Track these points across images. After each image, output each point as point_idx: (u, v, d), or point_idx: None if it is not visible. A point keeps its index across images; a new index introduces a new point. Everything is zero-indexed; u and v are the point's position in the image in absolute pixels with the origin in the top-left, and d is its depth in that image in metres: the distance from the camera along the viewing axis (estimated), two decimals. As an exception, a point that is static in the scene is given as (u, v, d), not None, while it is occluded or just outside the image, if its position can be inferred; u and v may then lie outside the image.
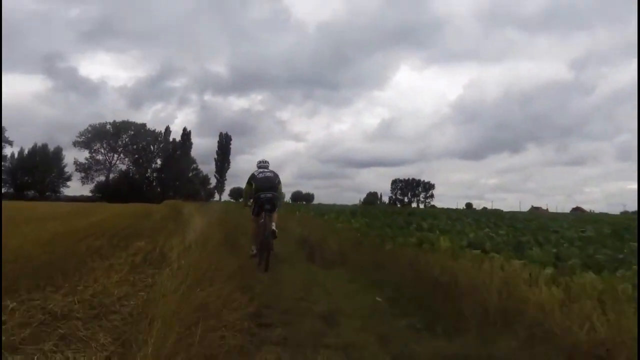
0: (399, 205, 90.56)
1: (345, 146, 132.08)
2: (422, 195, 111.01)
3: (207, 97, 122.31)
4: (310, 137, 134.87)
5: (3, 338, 2.33)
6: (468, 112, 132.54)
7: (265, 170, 6.50)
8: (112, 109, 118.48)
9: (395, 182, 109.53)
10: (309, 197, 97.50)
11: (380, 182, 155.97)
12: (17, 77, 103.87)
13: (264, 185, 6.14)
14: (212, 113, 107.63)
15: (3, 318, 2.63)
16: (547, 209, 79.82)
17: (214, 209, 26.04)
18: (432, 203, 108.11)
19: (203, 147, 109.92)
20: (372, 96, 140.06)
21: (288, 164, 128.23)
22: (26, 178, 61.65)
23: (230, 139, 72.90)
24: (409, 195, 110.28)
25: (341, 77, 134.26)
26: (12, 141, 65.12)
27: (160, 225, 10.81)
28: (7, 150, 64.17)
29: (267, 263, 5.46)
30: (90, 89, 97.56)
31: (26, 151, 63.40)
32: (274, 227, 5.80)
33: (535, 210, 79.40)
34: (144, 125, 69.79)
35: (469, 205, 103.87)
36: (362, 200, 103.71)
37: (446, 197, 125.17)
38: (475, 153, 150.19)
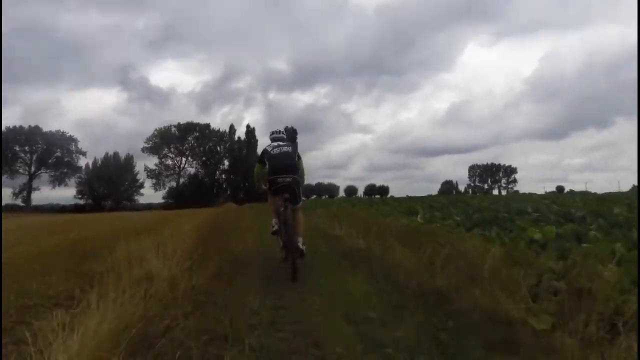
0: (475, 193, 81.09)
1: (414, 135, 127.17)
2: (503, 180, 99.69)
3: (272, 95, 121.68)
4: (378, 128, 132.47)
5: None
6: (546, 87, 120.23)
7: (281, 142, 4.77)
8: (184, 115, 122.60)
9: (472, 169, 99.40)
10: (383, 190, 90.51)
11: (453, 170, 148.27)
12: (96, 91, 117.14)
13: (279, 164, 4.52)
14: (277, 111, 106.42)
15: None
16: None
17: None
18: (515, 188, 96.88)
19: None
20: (439, 79, 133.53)
21: (357, 157, 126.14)
22: (102, 189, 61.68)
23: (296, 132, 68.33)
24: (489, 181, 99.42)
25: (405, 61, 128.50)
26: (85, 152, 65.97)
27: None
28: (82, 162, 65.10)
29: (294, 270, 4.00)
30: (162, 97, 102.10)
31: (99, 162, 63.60)
32: (300, 245, 4.30)
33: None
34: (207, 125, 67.48)
35: (560, 188, 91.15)
36: (438, 191, 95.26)
37: (527, 181, 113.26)
38: (556, 132, 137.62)
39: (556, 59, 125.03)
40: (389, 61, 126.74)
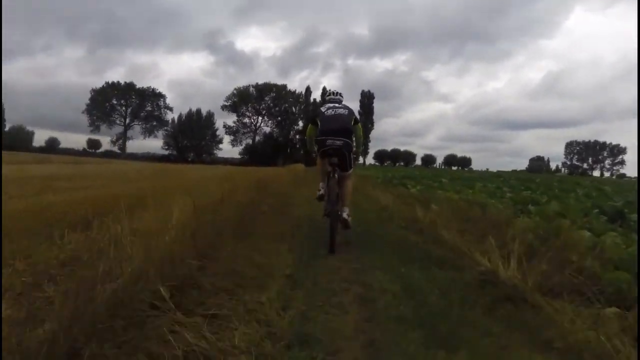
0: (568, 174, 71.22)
1: (500, 106, 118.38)
2: (607, 161, 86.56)
3: (350, 61, 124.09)
4: (460, 98, 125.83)
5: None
6: None
7: (337, 105, 4.32)
8: (264, 78, 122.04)
9: (571, 145, 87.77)
10: (465, 162, 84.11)
11: (543, 146, 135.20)
12: (186, 56, 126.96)
13: (331, 125, 4.07)
14: (355, 76, 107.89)
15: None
16: None
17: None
18: (622, 171, 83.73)
19: None
20: (536, 47, 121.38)
21: (435, 127, 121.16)
22: (185, 142, 65.36)
23: (373, 97, 65.39)
24: (590, 161, 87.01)
25: (499, 26, 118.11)
26: (172, 107, 69.96)
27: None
28: (169, 116, 69.27)
29: (332, 242, 3.65)
30: (245, 61, 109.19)
31: (183, 117, 67.07)
32: (345, 215, 4.04)
33: None
34: (284, 86, 67.25)
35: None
36: (527, 167, 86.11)
37: (632, 164, 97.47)
38: None
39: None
40: (479, 26, 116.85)
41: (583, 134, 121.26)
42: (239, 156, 65.19)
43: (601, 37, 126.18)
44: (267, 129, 66.47)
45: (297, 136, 64.02)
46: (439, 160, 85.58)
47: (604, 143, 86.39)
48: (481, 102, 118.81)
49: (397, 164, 75.53)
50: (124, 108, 68.21)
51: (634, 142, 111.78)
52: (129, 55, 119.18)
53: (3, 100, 61.13)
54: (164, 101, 69.77)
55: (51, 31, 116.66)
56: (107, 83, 67.47)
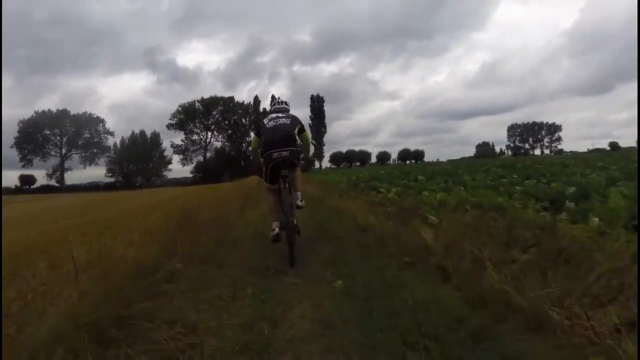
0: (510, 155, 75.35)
1: (444, 98, 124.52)
2: (545, 139, 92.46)
3: (296, 67, 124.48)
4: (406, 94, 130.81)
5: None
6: (588, 38, 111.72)
7: (280, 115, 4.06)
8: (211, 93, 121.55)
9: (512, 128, 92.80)
10: (418, 154, 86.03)
11: (487, 132, 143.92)
12: (127, 76, 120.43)
13: (274, 137, 3.84)
14: (303, 83, 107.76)
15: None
16: None
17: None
18: (560, 147, 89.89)
19: (299, 116, 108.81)
20: (470, 39, 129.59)
21: (385, 124, 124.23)
22: (131, 166, 61.68)
23: (323, 100, 65.40)
24: (531, 141, 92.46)
25: (434, 23, 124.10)
26: (112, 132, 65.90)
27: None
28: (110, 141, 65.18)
29: (292, 254, 3.55)
30: (189, 77, 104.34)
31: (126, 141, 63.39)
32: (299, 202, 3.92)
33: None
34: (231, 98, 65.62)
35: (614, 145, 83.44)
36: (474, 153, 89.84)
37: (569, 140, 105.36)
38: (599, 86, 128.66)
39: (600, 5, 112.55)
40: (416, 24, 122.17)
41: (520, 117, 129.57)
42: (190, 175, 62.48)
43: (527, 26, 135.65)
44: (218, 144, 64.36)
45: (250, 147, 62.66)
46: (393, 156, 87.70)
47: (542, 123, 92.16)
48: (426, 96, 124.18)
49: (353, 165, 76.02)
50: (58, 138, 63.23)
51: (566, 119, 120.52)
52: (61, 81, 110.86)
53: None
54: (104, 126, 65.64)
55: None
56: (36, 112, 62.36)
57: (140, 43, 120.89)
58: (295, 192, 3.92)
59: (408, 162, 79.91)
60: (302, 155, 4.04)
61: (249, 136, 63.03)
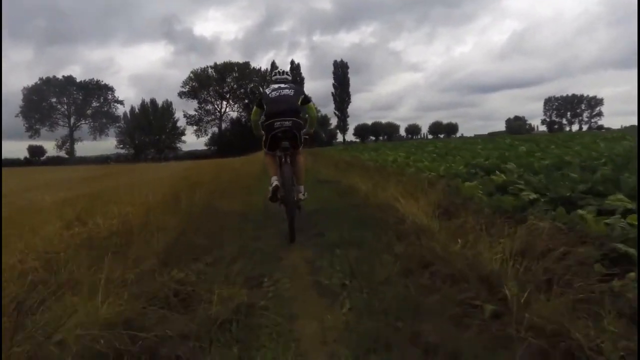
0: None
1: (469, 70, 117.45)
2: (585, 114, 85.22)
3: (316, 37, 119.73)
4: (429, 66, 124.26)
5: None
6: (628, 4, 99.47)
7: (283, 85, 4.02)
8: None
9: (549, 102, 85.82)
10: (451, 128, 79.81)
11: (514, 107, 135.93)
12: (146, 47, 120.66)
13: (277, 107, 3.79)
14: (322, 53, 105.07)
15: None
16: None
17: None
18: (600, 123, 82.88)
19: (318, 89, 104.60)
20: (500, 7, 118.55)
21: (407, 98, 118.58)
22: (143, 137, 57.89)
23: (347, 67, 59.70)
24: (569, 115, 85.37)
25: None
26: (122, 100, 61.91)
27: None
28: (120, 111, 61.38)
29: (292, 229, 3.48)
30: (206, 47, 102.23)
31: (137, 110, 59.34)
32: (301, 195, 3.87)
33: None
34: (247, 64, 60.42)
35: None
36: (505, 128, 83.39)
37: (609, 115, 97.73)
38: (634, 59, 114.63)
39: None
40: None
41: (550, 90, 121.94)
42: (205, 147, 58.53)
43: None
44: (234, 114, 59.90)
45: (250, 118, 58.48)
46: (424, 130, 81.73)
47: (581, 96, 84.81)
48: (451, 68, 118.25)
49: (379, 139, 70.72)
50: (65, 106, 59.57)
51: (598, 93, 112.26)
52: (82, 51, 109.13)
53: None
54: (113, 94, 61.58)
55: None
56: (40, 79, 58.48)
57: (157, 12, 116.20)
58: (298, 185, 3.84)
59: (440, 135, 74.37)
60: (304, 130, 3.92)
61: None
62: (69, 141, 59.36)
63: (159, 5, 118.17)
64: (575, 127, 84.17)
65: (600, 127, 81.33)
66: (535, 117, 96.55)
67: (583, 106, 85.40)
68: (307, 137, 3.96)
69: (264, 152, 3.97)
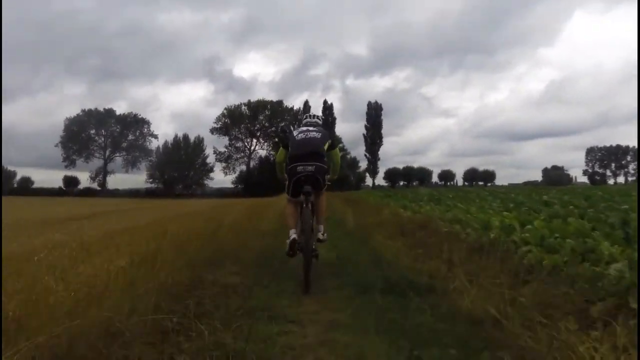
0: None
1: (503, 118, 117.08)
2: (631, 165, 80.00)
3: (349, 81, 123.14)
4: (462, 112, 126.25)
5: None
6: None
7: (311, 128, 3.96)
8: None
9: (592, 152, 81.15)
10: (488, 176, 76.39)
11: (548, 156, 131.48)
12: (188, 86, 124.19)
13: (301, 150, 3.72)
14: (355, 97, 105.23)
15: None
16: None
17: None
18: (647, 176, 77.26)
19: (349, 132, 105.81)
20: (536, 56, 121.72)
21: (438, 143, 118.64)
22: (172, 173, 58.27)
23: (381, 109, 59.06)
24: (613, 167, 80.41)
25: (497, 37, 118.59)
26: (157, 135, 63.30)
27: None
28: (153, 145, 62.61)
29: (307, 279, 3.26)
30: (244, 87, 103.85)
31: (169, 144, 60.32)
32: (320, 235, 3.79)
33: None
34: (280, 102, 60.91)
35: None
36: (542, 178, 79.16)
37: None
38: None
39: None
40: (477, 38, 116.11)
41: (588, 140, 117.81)
42: (232, 185, 58.03)
43: (602, 42, 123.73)
44: (263, 152, 59.71)
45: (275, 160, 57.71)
46: (459, 176, 78.58)
47: (627, 147, 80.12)
48: (484, 114, 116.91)
49: (411, 184, 68.14)
50: (102, 138, 61.40)
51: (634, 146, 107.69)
52: (129, 87, 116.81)
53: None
54: (148, 128, 63.18)
55: (50, 69, 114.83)
56: (83, 110, 60.97)
57: (201, 53, 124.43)
58: (318, 225, 3.81)
59: (475, 183, 71.11)
60: (328, 176, 3.89)
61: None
62: (102, 173, 60.55)
63: (203, 46, 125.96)
64: (620, 179, 79.08)
65: (648, 181, 76.14)
66: (574, 167, 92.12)
67: (629, 157, 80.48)
68: (329, 183, 3.92)
69: (286, 198, 3.90)
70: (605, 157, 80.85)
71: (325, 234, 3.81)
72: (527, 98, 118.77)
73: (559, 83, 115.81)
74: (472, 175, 77.23)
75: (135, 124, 62.53)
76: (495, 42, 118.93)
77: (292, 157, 3.69)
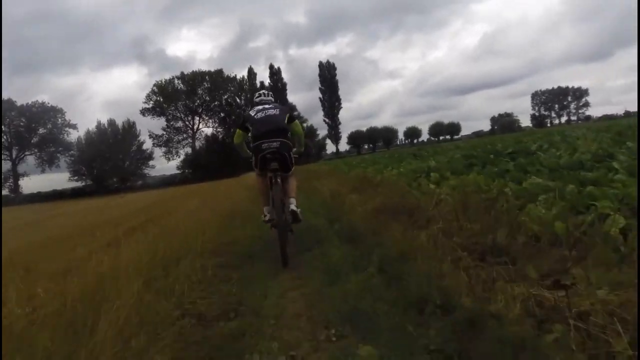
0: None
1: (445, 74, 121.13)
2: (572, 105, 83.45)
3: (292, 50, 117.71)
4: (406, 72, 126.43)
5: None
6: (588, 3, 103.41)
7: (267, 105, 3.95)
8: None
9: (536, 96, 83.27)
10: (454, 128, 74.39)
11: (491, 106, 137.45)
12: (117, 70, 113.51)
13: (264, 128, 3.72)
14: (300, 66, 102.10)
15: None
16: None
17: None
18: (588, 113, 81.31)
19: (301, 103, 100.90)
20: (469, 12, 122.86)
21: (388, 104, 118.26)
22: (101, 165, 49.20)
23: (335, 69, 53.77)
24: (557, 108, 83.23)
25: None
26: (75, 124, 53.16)
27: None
28: (73, 136, 52.65)
29: (284, 254, 3.37)
30: (181, 66, 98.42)
31: (93, 134, 50.73)
32: (293, 207, 3.67)
33: None
34: (220, 72, 53.12)
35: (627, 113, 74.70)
36: (493, 127, 79.62)
37: (595, 105, 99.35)
38: (599, 52, 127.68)
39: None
40: None
41: (522, 88, 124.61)
42: (178, 171, 50.52)
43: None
44: (209, 130, 52.39)
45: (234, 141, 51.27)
46: (425, 131, 76.20)
47: (567, 88, 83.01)
48: (427, 73, 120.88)
49: (376, 147, 64.24)
50: (5, 137, 50.15)
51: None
52: (50, 79, 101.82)
53: None
54: (63, 117, 52.70)
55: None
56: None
57: (127, 34, 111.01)
58: (289, 198, 3.72)
59: (442, 137, 69.28)
60: (294, 150, 3.90)
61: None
62: (10, 176, 49.85)
63: (128, 26, 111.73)
64: (563, 120, 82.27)
65: (588, 118, 79.70)
66: (519, 114, 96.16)
67: (569, 98, 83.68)
68: (297, 156, 3.95)
69: (255, 173, 3.95)
70: (549, 99, 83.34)
71: (299, 209, 3.69)
72: (464, 53, 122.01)
73: (491, 35, 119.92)
74: (438, 129, 75.64)
75: (44, 114, 51.76)
76: (430, 1, 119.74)
77: (255, 136, 3.68)
